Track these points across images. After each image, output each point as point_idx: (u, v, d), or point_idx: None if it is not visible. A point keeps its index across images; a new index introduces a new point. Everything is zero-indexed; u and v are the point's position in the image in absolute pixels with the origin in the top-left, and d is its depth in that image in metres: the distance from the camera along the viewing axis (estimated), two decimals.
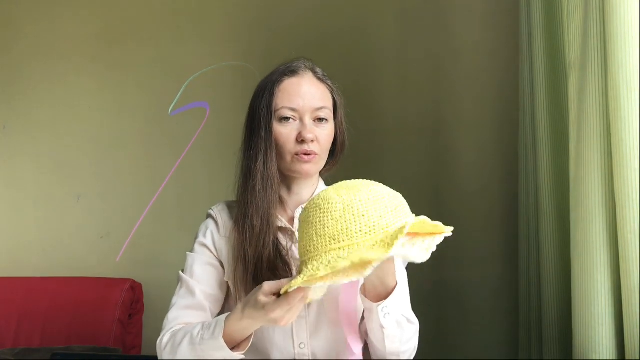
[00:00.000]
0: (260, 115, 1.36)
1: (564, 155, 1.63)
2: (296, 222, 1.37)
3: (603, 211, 1.34)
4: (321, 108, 1.35)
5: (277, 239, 1.34)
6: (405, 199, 1.52)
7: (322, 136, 1.34)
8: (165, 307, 2.41)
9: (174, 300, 1.36)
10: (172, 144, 2.48)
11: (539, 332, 1.72)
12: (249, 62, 2.40)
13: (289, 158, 1.33)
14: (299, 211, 1.38)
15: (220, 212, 1.43)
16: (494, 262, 2.15)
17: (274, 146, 1.34)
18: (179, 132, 2.48)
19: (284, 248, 1.35)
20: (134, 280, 2.27)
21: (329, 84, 1.40)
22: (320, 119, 1.35)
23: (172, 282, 2.38)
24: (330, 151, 1.41)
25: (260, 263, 1.30)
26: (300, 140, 1.32)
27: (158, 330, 2.48)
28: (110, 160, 2.52)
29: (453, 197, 2.21)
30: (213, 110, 2.46)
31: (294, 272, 1.32)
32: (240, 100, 2.38)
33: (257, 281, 1.27)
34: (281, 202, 1.39)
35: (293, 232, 1.37)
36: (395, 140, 2.27)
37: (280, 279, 1.27)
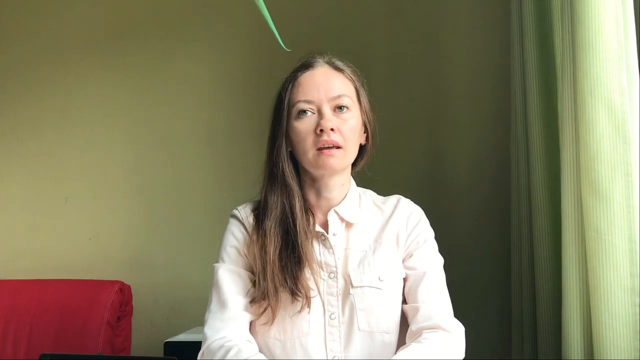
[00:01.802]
0: (277, 114, 1.33)
1: (556, 154, 1.64)
2: (331, 226, 1.34)
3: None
4: (339, 96, 1.30)
5: (304, 245, 1.29)
6: None
7: (344, 126, 1.29)
8: (154, 309, 2.42)
9: (207, 316, 1.31)
10: (161, 144, 2.46)
11: (532, 330, 1.72)
12: (247, 60, 2.39)
13: (311, 154, 1.29)
14: (332, 214, 1.35)
15: (247, 214, 1.37)
16: (486, 260, 2.15)
17: (295, 144, 1.31)
18: (168, 133, 2.46)
19: (314, 253, 1.31)
20: (122, 282, 2.24)
21: (349, 72, 1.36)
22: (340, 107, 1.30)
23: (161, 284, 2.39)
24: (362, 144, 1.38)
25: (289, 269, 1.27)
26: (320, 131, 1.27)
27: (147, 333, 2.48)
28: (99, 161, 2.49)
29: (445, 195, 2.21)
30: (205, 111, 2.44)
31: (324, 278, 1.30)
32: (234, 101, 2.39)
33: (283, 286, 1.25)
34: (311, 206, 1.35)
35: (326, 238, 1.33)
36: (387, 140, 2.26)
37: (306, 287, 1.27)
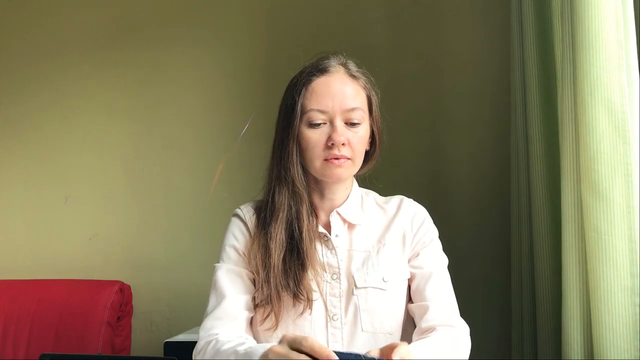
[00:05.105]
0: (288, 117, 1.30)
1: (556, 154, 1.64)
2: (333, 227, 1.34)
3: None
4: (353, 109, 1.29)
5: (308, 249, 1.28)
6: None
7: (355, 139, 1.29)
8: (154, 309, 2.42)
9: (207, 309, 1.30)
10: (161, 144, 2.46)
11: (532, 330, 1.72)
12: (248, 60, 2.40)
13: (318, 163, 1.28)
14: (334, 216, 1.35)
15: (250, 214, 1.37)
16: (486, 260, 2.15)
17: (303, 150, 1.29)
18: (168, 132, 2.46)
19: (317, 254, 1.31)
20: (122, 282, 2.24)
21: (363, 80, 1.34)
22: (353, 123, 1.29)
23: (161, 284, 2.39)
24: (367, 150, 1.37)
25: (292, 272, 1.26)
26: (331, 144, 1.26)
27: (147, 333, 2.48)
28: (99, 161, 2.49)
29: (445, 195, 2.21)
30: (205, 111, 2.44)
31: (327, 280, 1.30)
32: (235, 101, 2.39)
33: (286, 289, 1.25)
34: (314, 207, 1.35)
35: (329, 239, 1.33)
36: (387, 140, 2.26)
37: (308, 289, 1.25)
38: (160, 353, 2.06)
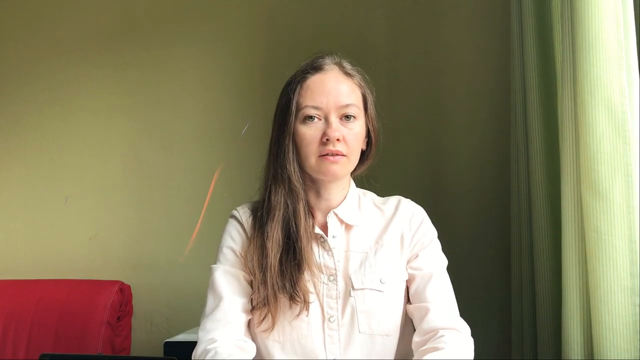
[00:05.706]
0: (284, 115, 1.30)
1: (556, 154, 1.64)
2: (330, 228, 1.34)
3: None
4: (347, 105, 1.29)
5: (304, 249, 1.27)
6: None
7: (350, 136, 1.28)
8: (154, 309, 2.42)
9: (205, 310, 1.31)
10: (161, 144, 2.46)
11: (532, 331, 1.72)
12: (247, 60, 2.40)
13: (313, 160, 1.28)
14: (331, 216, 1.35)
15: (246, 215, 1.37)
16: (486, 260, 2.15)
17: (298, 147, 1.29)
18: (168, 132, 2.46)
19: (313, 256, 1.30)
20: (122, 282, 2.24)
21: (358, 78, 1.34)
22: (347, 117, 1.28)
23: (161, 284, 2.39)
24: (363, 150, 1.36)
25: (289, 274, 1.26)
26: (325, 140, 1.26)
27: (147, 333, 2.48)
28: (99, 161, 2.49)
29: (445, 196, 2.21)
30: (205, 111, 2.44)
31: (323, 281, 1.30)
32: (234, 101, 2.39)
33: (283, 291, 1.25)
34: (311, 207, 1.34)
35: (325, 240, 1.32)
36: (387, 140, 2.26)
37: (305, 290, 1.25)
38: (160, 353, 2.06)
